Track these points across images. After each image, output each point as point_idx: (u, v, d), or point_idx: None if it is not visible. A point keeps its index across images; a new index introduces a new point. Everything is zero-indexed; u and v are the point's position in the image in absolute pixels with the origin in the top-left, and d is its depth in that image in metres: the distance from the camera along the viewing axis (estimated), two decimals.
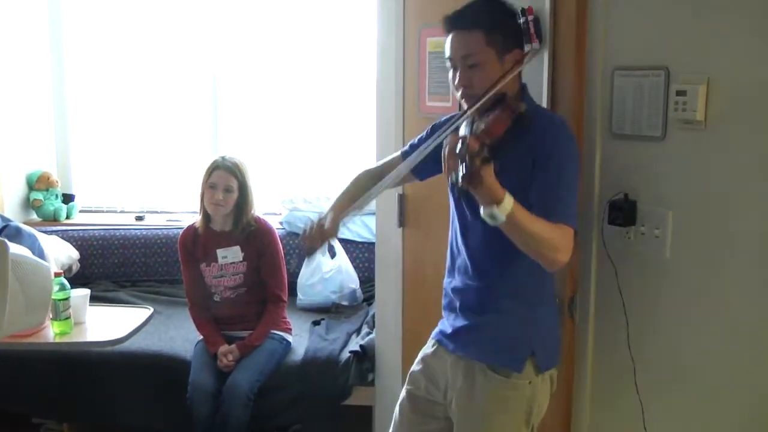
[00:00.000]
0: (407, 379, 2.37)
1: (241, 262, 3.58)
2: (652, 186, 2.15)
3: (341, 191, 2.46)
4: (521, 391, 2.13)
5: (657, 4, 2.09)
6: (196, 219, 3.69)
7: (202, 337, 3.62)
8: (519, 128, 1.96)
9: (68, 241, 4.63)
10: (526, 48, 2.33)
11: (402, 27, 2.98)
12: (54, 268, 3.10)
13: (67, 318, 3.07)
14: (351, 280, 4.28)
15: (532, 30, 2.32)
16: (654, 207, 2.14)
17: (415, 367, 2.35)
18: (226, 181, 3.49)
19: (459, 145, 1.76)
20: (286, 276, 3.68)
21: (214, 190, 3.49)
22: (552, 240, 1.92)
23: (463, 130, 2.03)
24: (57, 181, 5.06)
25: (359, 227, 4.48)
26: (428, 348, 2.34)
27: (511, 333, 2.14)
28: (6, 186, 4.78)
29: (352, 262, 4.34)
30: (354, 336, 3.81)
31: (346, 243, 4.42)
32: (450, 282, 2.28)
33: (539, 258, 1.95)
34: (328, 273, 4.23)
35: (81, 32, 5.13)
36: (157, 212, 5.15)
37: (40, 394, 3.71)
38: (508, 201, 1.81)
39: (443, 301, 2.32)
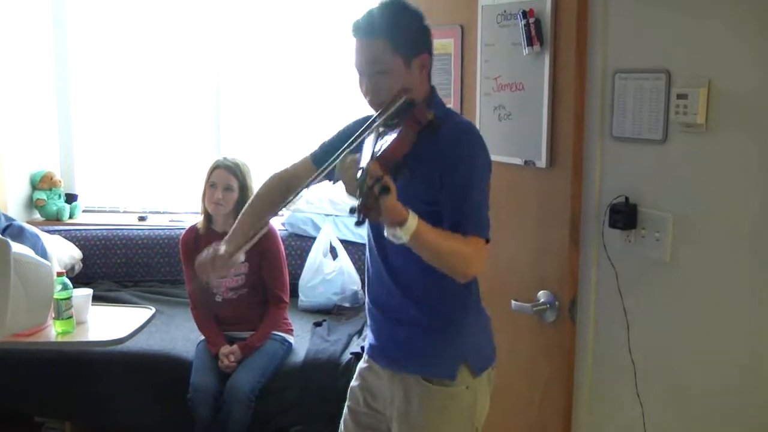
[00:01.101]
0: (348, 395, 2.37)
1: (243, 263, 3.57)
2: (652, 189, 2.14)
3: (248, 204, 2.40)
4: (460, 398, 2.14)
5: (657, 8, 2.09)
6: (198, 219, 3.70)
7: (203, 337, 3.63)
8: (427, 136, 1.96)
9: (71, 240, 4.64)
10: (527, 50, 2.34)
11: None
12: (57, 268, 3.12)
13: (70, 317, 3.09)
14: (353, 281, 4.28)
15: (533, 32, 2.32)
16: (655, 210, 2.13)
17: (354, 382, 2.35)
18: (226, 180, 3.51)
19: (359, 174, 1.73)
20: (287, 277, 3.69)
21: (214, 189, 3.50)
22: (461, 255, 1.93)
23: (368, 147, 1.95)
24: (60, 181, 5.08)
25: (361, 229, 4.48)
26: (363, 362, 2.34)
27: (439, 344, 2.14)
28: (9, 185, 4.80)
29: (353, 264, 4.35)
30: (355, 337, 3.82)
31: (347, 244, 4.43)
32: (371, 294, 2.28)
33: (451, 273, 1.96)
34: (330, 274, 4.24)
35: (85, 32, 5.16)
36: (159, 212, 5.17)
37: (42, 393, 3.73)
38: (412, 221, 1.80)
39: (366, 312, 2.34)
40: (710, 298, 2.04)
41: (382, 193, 1.71)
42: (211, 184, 3.52)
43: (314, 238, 4.43)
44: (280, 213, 2.30)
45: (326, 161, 2.13)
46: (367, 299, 2.33)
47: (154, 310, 3.37)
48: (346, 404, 2.37)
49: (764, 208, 1.91)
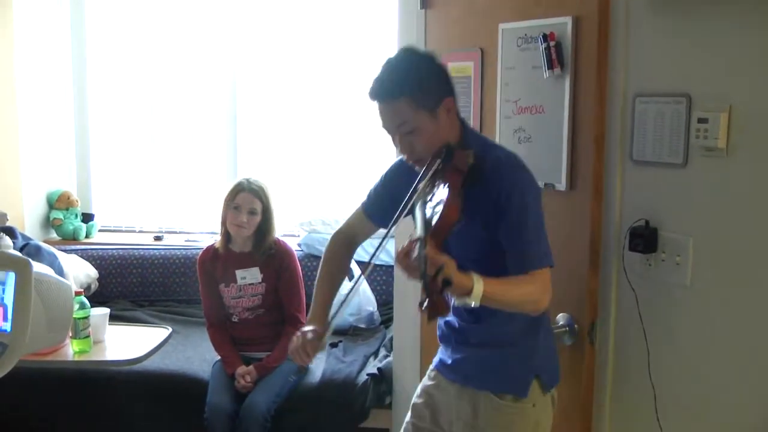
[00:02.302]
0: (410, 412, 2.36)
1: (260, 283, 3.60)
2: (673, 213, 2.14)
3: (321, 274, 2.42)
4: (527, 414, 2.14)
5: (678, 33, 2.10)
6: (214, 239, 3.72)
7: (219, 357, 3.63)
8: (472, 180, 1.96)
9: (87, 260, 4.67)
10: (547, 74, 2.35)
11: None
12: (73, 287, 3.12)
13: (87, 337, 3.10)
14: (368, 302, 4.28)
15: (553, 56, 2.33)
16: (675, 234, 2.13)
17: (417, 399, 2.34)
18: (250, 204, 3.52)
19: (418, 261, 1.72)
20: (304, 297, 3.69)
21: (237, 212, 3.51)
22: (531, 297, 1.95)
23: (419, 216, 1.90)
24: (77, 200, 5.11)
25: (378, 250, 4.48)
26: (428, 380, 2.33)
27: (515, 362, 2.15)
28: (27, 205, 4.83)
29: (369, 285, 4.35)
30: (371, 359, 3.81)
31: (364, 266, 4.41)
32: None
33: (526, 312, 2.01)
34: (346, 295, 4.22)
35: (102, 53, 5.21)
36: (175, 232, 5.18)
37: (58, 412, 3.73)
38: (477, 288, 1.80)
39: (438, 333, 2.32)
40: (732, 323, 2.04)
41: (445, 286, 1.71)
42: (234, 207, 3.52)
43: None
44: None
45: (378, 213, 2.26)
46: (440, 320, 2.30)
47: (170, 329, 3.37)
48: (407, 420, 2.35)
49: None
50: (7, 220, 3.83)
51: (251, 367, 3.50)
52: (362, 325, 4.24)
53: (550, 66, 2.34)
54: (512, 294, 1.92)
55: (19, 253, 2.31)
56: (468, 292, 1.79)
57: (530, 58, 2.44)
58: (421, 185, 1.97)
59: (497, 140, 2.59)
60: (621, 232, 2.27)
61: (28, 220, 4.82)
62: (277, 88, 5.06)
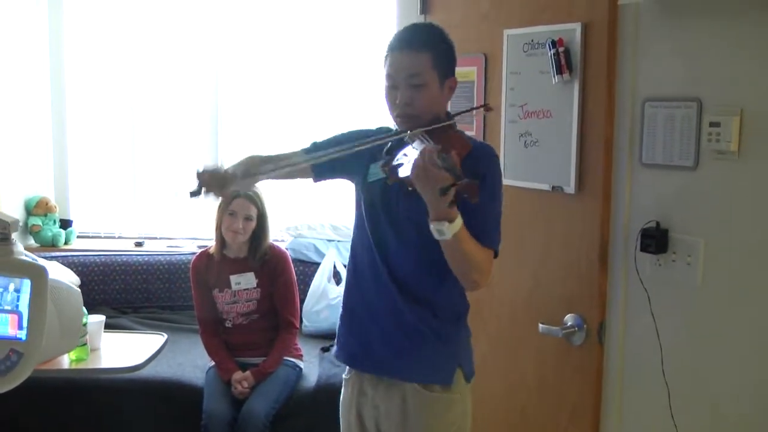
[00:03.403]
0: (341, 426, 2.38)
1: (255, 288, 3.59)
2: (683, 215, 2.19)
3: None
4: (454, 403, 2.20)
5: (688, 37, 2.15)
6: (198, 245, 3.70)
7: (212, 363, 3.62)
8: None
9: (68, 266, 4.61)
10: (556, 79, 2.39)
11: None
12: None
13: (84, 344, 3.07)
14: None
15: (562, 61, 2.37)
16: (686, 235, 2.18)
17: (350, 416, 2.33)
18: (246, 210, 3.52)
19: (440, 162, 1.78)
20: (298, 302, 3.69)
21: (233, 218, 3.51)
22: (481, 263, 2.03)
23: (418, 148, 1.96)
24: (55, 206, 5.05)
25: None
26: (348, 385, 2.34)
27: (441, 353, 2.19)
28: (4, 211, 4.72)
29: None
30: None
31: None
32: (356, 297, 2.26)
33: (465, 278, 2.06)
34: (335, 299, 4.24)
35: (80, 57, 5.15)
36: (156, 238, 5.14)
37: (51, 422, 3.68)
38: (458, 221, 1.89)
39: (346, 316, 2.31)
40: (743, 321, 2.09)
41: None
42: (230, 213, 3.52)
43: (317, 264, 4.44)
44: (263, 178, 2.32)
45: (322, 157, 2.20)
46: (346, 304, 2.30)
47: (166, 336, 3.35)
48: None
49: None
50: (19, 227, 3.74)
51: (248, 373, 3.49)
52: None
53: (559, 71, 2.38)
54: (473, 248, 1.99)
55: (33, 260, 2.26)
56: (451, 218, 1.87)
57: (537, 63, 2.48)
58: (408, 133, 2.02)
59: (502, 144, 2.63)
60: (630, 233, 2.31)
61: None
62: (259, 92, 5.05)
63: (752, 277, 2.06)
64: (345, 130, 2.36)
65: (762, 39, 1.99)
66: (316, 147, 2.31)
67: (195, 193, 2.21)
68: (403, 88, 2.09)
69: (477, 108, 2.17)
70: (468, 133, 2.52)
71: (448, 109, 2.24)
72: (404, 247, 2.15)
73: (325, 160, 2.17)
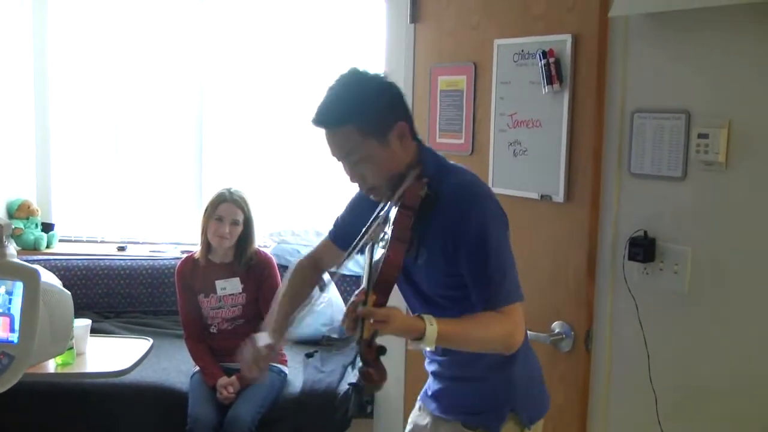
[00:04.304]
0: None
1: (240, 293, 3.60)
2: (671, 224, 2.23)
3: (284, 294, 2.28)
4: None
5: (677, 50, 2.19)
6: (182, 250, 3.70)
7: (197, 368, 3.61)
8: (426, 211, 1.86)
9: (50, 270, 4.50)
10: (546, 89, 2.42)
11: (412, 65, 3.04)
12: None
13: (70, 348, 3.05)
14: (341, 312, 4.25)
15: (553, 72, 2.40)
16: (673, 244, 2.22)
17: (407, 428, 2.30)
18: (233, 215, 3.52)
19: (358, 328, 1.68)
20: None
21: (220, 223, 3.51)
22: (497, 336, 1.85)
23: (366, 263, 1.86)
24: (37, 210, 5.02)
25: (351, 262, 4.52)
26: (416, 410, 2.28)
27: (486, 397, 2.07)
28: None
29: (341, 296, 4.37)
30: (350, 368, 3.84)
31: (335, 276, 4.43)
32: None
33: (496, 352, 1.90)
34: (319, 306, 4.25)
35: (64, 60, 5.12)
36: (138, 243, 5.12)
37: (36, 427, 3.66)
38: (431, 331, 1.72)
39: (425, 362, 2.25)
40: (730, 330, 2.12)
41: (380, 353, 1.68)
42: (217, 218, 3.52)
43: None
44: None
45: (343, 239, 2.13)
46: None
47: (151, 341, 3.34)
48: None
49: None
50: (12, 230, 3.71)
51: (233, 378, 3.49)
52: (335, 335, 4.26)
53: (549, 81, 2.42)
54: (475, 335, 1.83)
55: (26, 263, 2.27)
56: (419, 336, 1.72)
57: (527, 73, 2.51)
58: (374, 225, 1.91)
59: (491, 153, 2.67)
60: (618, 242, 2.35)
61: None
62: (244, 97, 5.05)
63: (738, 286, 2.10)
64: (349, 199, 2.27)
65: (750, 52, 2.04)
66: (338, 227, 2.25)
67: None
68: (347, 167, 1.93)
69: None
70: (459, 154, 2.54)
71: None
72: (429, 310, 1.91)
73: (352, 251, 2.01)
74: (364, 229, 1.95)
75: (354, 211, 2.19)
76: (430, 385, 2.19)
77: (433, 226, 1.88)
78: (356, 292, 1.78)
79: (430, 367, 2.18)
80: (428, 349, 1.78)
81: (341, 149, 1.90)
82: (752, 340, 2.08)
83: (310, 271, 2.32)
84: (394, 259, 1.80)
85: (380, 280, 1.77)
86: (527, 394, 2.09)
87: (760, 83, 2.02)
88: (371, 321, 1.67)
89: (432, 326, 1.73)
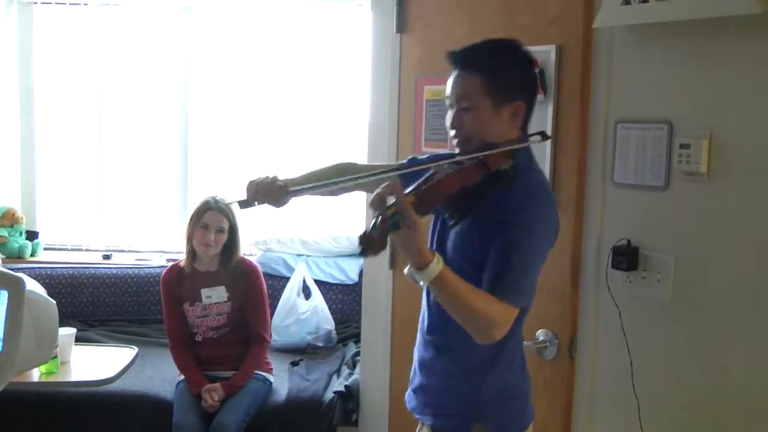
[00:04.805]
0: None
1: (225, 302, 3.59)
2: (654, 233, 2.25)
3: (321, 169, 2.28)
4: None
5: (660, 61, 2.22)
6: (168, 258, 3.69)
7: (182, 377, 3.61)
8: (499, 186, 1.89)
9: (35, 278, 4.53)
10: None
11: (398, 74, 3.06)
12: None
13: (54, 357, 3.04)
14: (326, 321, 4.31)
15: (537, 82, 2.42)
16: (656, 253, 2.24)
17: None
18: (218, 222, 3.52)
19: (386, 201, 1.68)
20: (269, 316, 3.70)
21: (205, 231, 3.51)
22: (485, 314, 1.81)
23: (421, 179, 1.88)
24: (22, 218, 5.00)
25: (333, 269, 4.55)
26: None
27: (458, 398, 2.03)
28: None
29: (327, 304, 4.38)
30: (335, 377, 3.84)
31: (321, 285, 4.46)
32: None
33: (472, 330, 1.85)
34: (304, 314, 4.26)
35: (49, 69, 5.11)
36: (123, 251, 5.11)
37: None
38: (435, 267, 1.72)
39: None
40: (711, 338, 2.15)
41: (392, 228, 1.65)
42: (202, 226, 3.52)
43: (286, 278, 4.45)
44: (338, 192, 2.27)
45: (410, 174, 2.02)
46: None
47: (137, 349, 3.34)
48: None
49: (762, 252, 2.03)
50: None
51: (217, 384, 3.48)
52: (320, 344, 4.27)
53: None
54: (467, 298, 1.79)
55: (10, 271, 2.26)
56: (422, 264, 1.72)
57: None
58: (444, 161, 1.94)
59: None
60: (602, 250, 2.37)
61: None
62: (229, 106, 5.06)
63: (720, 294, 2.12)
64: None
65: (731, 65, 2.06)
66: (410, 162, 2.22)
67: (246, 204, 2.21)
68: (455, 109, 1.97)
69: (534, 135, 1.99)
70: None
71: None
72: (459, 262, 1.96)
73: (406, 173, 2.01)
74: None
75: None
76: (412, 379, 2.17)
77: (489, 203, 1.90)
78: (384, 185, 1.73)
79: (417, 353, 2.15)
80: (422, 283, 1.75)
81: (459, 91, 1.95)
82: (734, 349, 2.11)
83: (349, 167, 2.28)
84: (446, 185, 1.82)
85: (424, 193, 1.78)
86: (498, 407, 2.02)
87: (742, 95, 2.05)
88: (401, 218, 1.66)
89: (438, 264, 1.74)
